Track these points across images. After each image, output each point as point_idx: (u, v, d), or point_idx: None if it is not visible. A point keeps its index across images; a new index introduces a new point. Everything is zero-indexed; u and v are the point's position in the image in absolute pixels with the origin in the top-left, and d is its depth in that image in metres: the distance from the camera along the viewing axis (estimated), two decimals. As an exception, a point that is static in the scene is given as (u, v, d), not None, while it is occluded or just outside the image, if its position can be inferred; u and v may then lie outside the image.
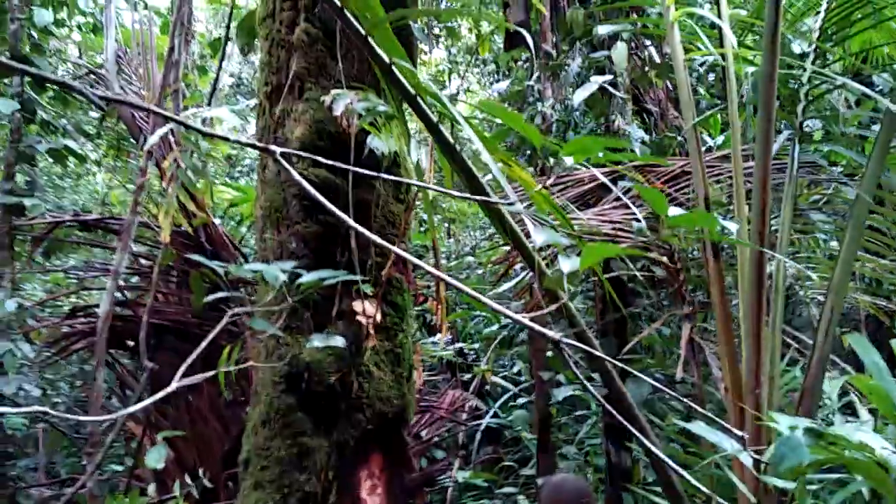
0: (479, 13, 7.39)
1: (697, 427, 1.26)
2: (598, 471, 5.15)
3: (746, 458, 1.15)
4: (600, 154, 1.47)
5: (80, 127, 6.40)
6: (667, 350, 4.70)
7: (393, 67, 1.98)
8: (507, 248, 3.75)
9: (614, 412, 1.20)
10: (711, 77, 5.37)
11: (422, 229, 6.93)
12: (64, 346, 4.85)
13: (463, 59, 9.68)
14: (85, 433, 5.35)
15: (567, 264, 0.99)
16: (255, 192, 3.21)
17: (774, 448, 1.21)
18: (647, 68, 4.76)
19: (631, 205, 2.55)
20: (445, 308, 3.57)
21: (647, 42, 4.86)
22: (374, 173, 1.43)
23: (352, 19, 1.96)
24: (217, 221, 4.67)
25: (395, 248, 1.19)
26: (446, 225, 9.66)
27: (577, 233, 2.18)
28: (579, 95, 4.14)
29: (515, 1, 5.66)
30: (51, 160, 6.16)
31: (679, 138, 4.56)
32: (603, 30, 4.18)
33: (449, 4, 7.70)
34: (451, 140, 2.09)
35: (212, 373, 1.84)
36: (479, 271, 7.45)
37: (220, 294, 2.29)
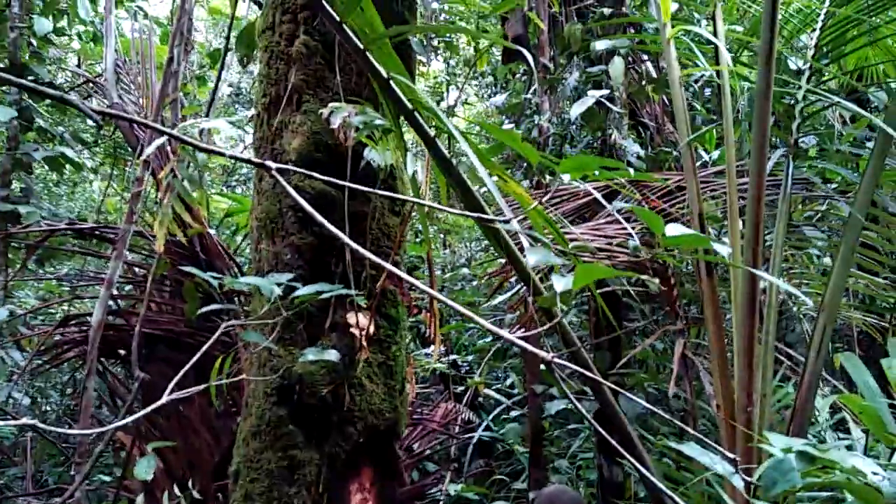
0: (478, 30, 7.44)
1: (689, 448, 1.26)
2: (589, 485, 5.13)
3: (738, 481, 1.15)
4: (596, 172, 1.47)
5: (77, 135, 6.40)
6: (660, 365, 4.70)
7: (390, 82, 1.99)
8: (503, 260, 3.76)
9: (602, 431, 1.20)
10: (708, 91, 5.41)
11: (418, 240, 6.93)
12: (55, 355, 4.82)
13: (461, 72, 9.72)
14: (74, 443, 5.31)
15: (560, 284, 0.99)
16: (251, 203, 3.21)
17: (766, 471, 1.20)
18: (644, 83, 4.80)
19: (624, 222, 2.56)
20: (439, 320, 3.57)
21: (645, 57, 4.90)
22: (370, 189, 1.43)
23: (350, 34, 1.97)
24: (212, 231, 4.66)
25: (386, 264, 1.19)
26: (442, 236, 9.67)
27: (573, 248, 2.19)
28: (576, 109, 4.17)
29: (514, 14, 5.70)
30: (47, 167, 6.16)
31: (675, 153, 4.58)
32: (600, 45, 4.22)
33: (447, 18, 7.75)
34: (447, 154, 2.09)
35: (203, 386, 1.83)
36: (474, 283, 7.44)
37: (213, 306, 2.29)
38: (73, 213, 8.40)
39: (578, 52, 4.70)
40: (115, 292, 4.43)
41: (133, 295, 5.01)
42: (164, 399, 1.58)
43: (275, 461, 2.69)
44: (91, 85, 5.87)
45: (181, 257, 4.37)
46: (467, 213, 1.79)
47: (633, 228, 2.67)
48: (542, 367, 4.84)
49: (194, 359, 1.77)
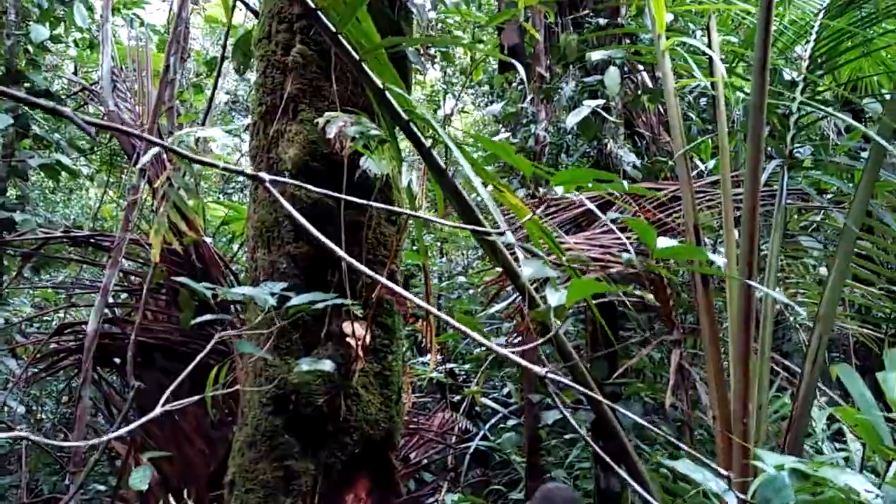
0: (474, 39, 7.47)
1: (682, 465, 1.26)
2: (587, 495, 5.11)
3: (732, 499, 1.15)
4: (590, 185, 1.48)
5: (73, 142, 6.39)
6: (657, 374, 4.70)
7: (386, 93, 1.99)
8: (500, 268, 3.75)
9: (593, 444, 1.20)
10: (703, 102, 5.43)
11: (415, 248, 6.92)
12: (51, 363, 4.80)
13: (458, 80, 9.75)
14: (69, 452, 5.27)
15: (554, 298, 0.99)
16: (247, 211, 3.21)
17: (759, 488, 1.20)
18: (639, 93, 4.81)
19: (619, 233, 2.56)
20: (436, 328, 3.56)
21: (640, 67, 4.92)
22: (365, 202, 1.43)
23: (346, 45, 1.97)
24: (209, 240, 4.66)
25: (380, 279, 1.19)
26: (439, 244, 9.66)
27: (568, 258, 2.19)
28: (572, 119, 4.18)
29: (510, 25, 5.73)
30: (43, 175, 6.16)
31: (671, 163, 4.59)
32: (596, 55, 4.23)
33: (444, 28, 7.77)
34: (443, 165, 2.10)
35: (199, 397, 1.83)
36: (471, 291, 7.44)
37: (208, 317, 2.29)
38: (69, 219, 8.38)
39: (574, 62, 4.72)
40: (110, 300, 4.42)
41: (129, 303, 5.00)
42: (159, 410, 1.57)
43: (270, 471, 2.68)
44: (87, 93, 5.87)
45: (177, 266, 4.36)
46: (462, 225, 1.79)
47: (628, 239, 2.68)
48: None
49: (188, 369, 1.77)
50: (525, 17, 5.14)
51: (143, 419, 1.48)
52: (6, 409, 4.82)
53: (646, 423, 1.05)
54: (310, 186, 1.33)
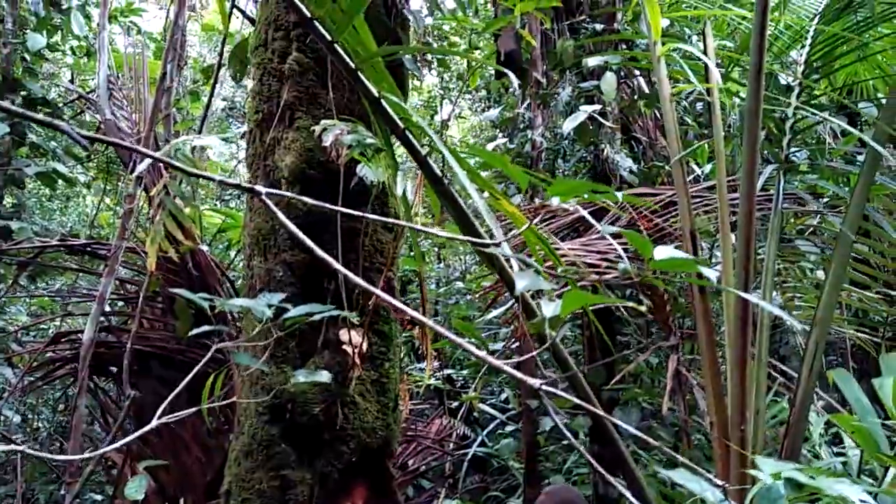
0: (470, 46, 7.48)
1: (678, 475, 1.25)
2: (586, 501, 5.10)
3: (728, 508, 1.15)
4: (585, 196, 1.48)
5: (70, 150, 6.39)
6: (655, 380, 4.69)
7: (381, 101, 1.99)
8: (497, 275, 3.75)
9: (587, 455, 1.19)
10: (700, 106, 5.44)
11: (412, 254, 6.92)
12: (47, 372, 4.78)
13: (455, 86, 9.76)
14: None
15: (549, 309, 0.99)
16: (244, 219, 3.20)
17: (755, 498, 1.20)
18: (635, 98, 4.82)
19: (614, 241, 2.56)
20: (432, 335, 3.56)
21: (636, 72, 4.93)
22: (360, 213, 1.42)
23: (342, 53, 1.97)
24: (205, 248, 4.65)
25: (375, 290, 1.19)
26: (437, 249, 9.66)
27: (565, 265, 2.19)
28: (569, 125, 4.19)
29: (506, 30, 5.73)
30: (39, 183, 6.14)
31: (667, 167, 4.59)
32: (592, 61, 4.24)
33: (440, 35, 7.79)
34: (439, 173, 2.09)
35: (195, 409, 1.82)
36: (469, 297, 7.43)
37: (205, 328, 2.28)
38: (65, 227, 8.36)
39: (571, 67, 4.73)
40: (107, 309, 4.40)
41: (125, 311, 4.98)
42: (155, 423, 1.56)
43: (266, 480, 2.67)
44: (84, 101, 5.86)
45: (173, 274, 4.35)
46: (457, 236, 1.79)
47: (624, 245, 2.68)
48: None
49: (185, 380, 1.76)
50: (522, 24, 5.15)
51: (140, 431, 1.47)
52: (2, 418, 4.80)
53: (640, 434, 1.04)
54: (305, 198, 1.32)
